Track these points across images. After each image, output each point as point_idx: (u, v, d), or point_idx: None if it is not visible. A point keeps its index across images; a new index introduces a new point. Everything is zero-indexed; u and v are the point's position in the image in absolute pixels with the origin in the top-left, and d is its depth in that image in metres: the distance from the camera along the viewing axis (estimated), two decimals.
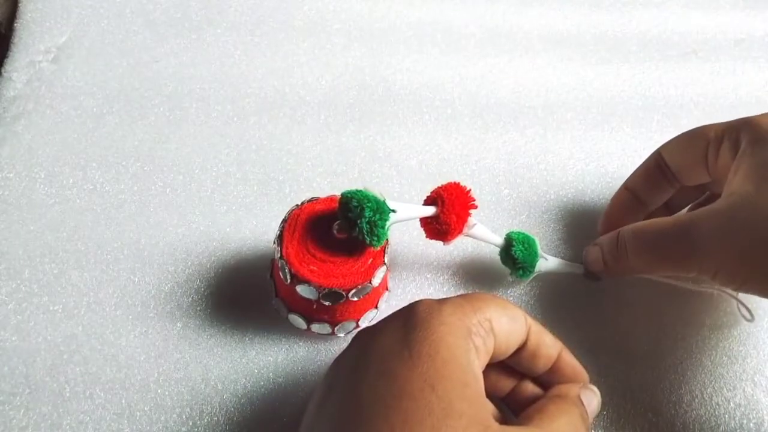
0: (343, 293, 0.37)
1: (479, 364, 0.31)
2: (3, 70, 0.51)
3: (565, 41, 0.56)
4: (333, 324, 0.40)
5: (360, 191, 0.36)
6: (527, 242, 0.42)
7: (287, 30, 0.55)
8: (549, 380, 0.36)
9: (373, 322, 0.36)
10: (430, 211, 0.39)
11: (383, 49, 0.55)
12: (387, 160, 0.49)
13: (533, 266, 0.42)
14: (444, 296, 0.34)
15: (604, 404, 0.41)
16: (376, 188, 0.37)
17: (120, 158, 0.48)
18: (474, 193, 0.48)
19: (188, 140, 0.49)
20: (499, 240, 0.43)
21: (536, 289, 0.45)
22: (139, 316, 0.42)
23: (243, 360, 0.41)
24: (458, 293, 0.44)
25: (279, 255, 0.37)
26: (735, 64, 0.54)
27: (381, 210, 0.36)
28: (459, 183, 0.40)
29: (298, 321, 0.40)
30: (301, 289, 0.37)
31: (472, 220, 0.40)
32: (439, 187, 0.40)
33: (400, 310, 0.33)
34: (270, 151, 0.49)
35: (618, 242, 0.40)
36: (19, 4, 0.54)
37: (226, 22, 0.55)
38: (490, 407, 0.33)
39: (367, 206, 0.35)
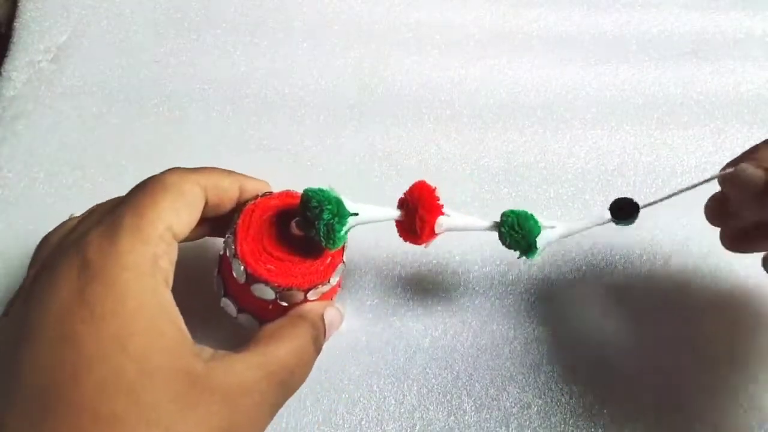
0: (302, 293, 0.35)
1: (169, 288, 0.29)
2: (2, 70, 0.51)
3: (565, 41, 0.56)
4: None
5: (323, 191, 0.34)
6: (518, 220, 0.36)
7: (287, 30, 0.55)
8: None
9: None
10: (394, 214, 0.37)
11: (383, 50, 0.55)
12: (386, 159, 0.49)
13: (533, 243, 0.36)
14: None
15: (606, 403, 0.41)
16: (343, 189, 0.35)
17: (119, 158, 0.48)
18: (474, 192, 0.48)
19: (188, 140, 0.49)
20: (487, 224, 0.38)
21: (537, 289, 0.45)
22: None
23: None
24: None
25: (232, 253, 0.34)
26: (735, 64, 0.54)
27: (340, 214, 0.34)
28: (425, 182, 0.37)
29: (250, 321, 0.37)
30: (258, 289, 0.34)
31: (442, 219, 0.37)
32: (408, 189, 0.37)
33: (63, 250, 0.29)
34: (269, 151, 0.49)
35: None
36: (19, 4, 0.54)
37: (225, 22, 0.55)
38: (191, 346, 0.28)
39: (327, 208, 0.34)
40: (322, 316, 0.35)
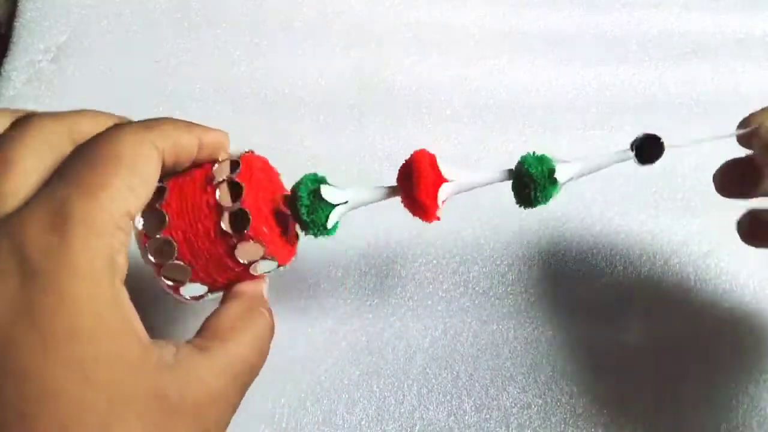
0: (277, 264, 0.31)
1: (125, 290, 0.24)
2: (2, 70, 0.51)
3: (565, 41, 0.56)
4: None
5: (305, 183, 0.33)
6: (535, 158, 0.33)
7: (287, 30, 0.55)
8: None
9: None
10: (388, 193, 0.34)
11: (383, 50, 0.55)
12: (387, 159, 0.49)
13: (552, 175, 0.33)
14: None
15: (606, 403, 0.41)
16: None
17: None
18: (474, 192, 0.48)
19: None
20: (498, 174, 0.35)
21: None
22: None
23: None
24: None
25: (233, 204, 0.29)
26: (735, 64, 0.54)
27: (318, 211, 0.32)
28: (424, 152, 0.34)
29: (196, 291, 0.31)
30: (244, 250, 0.30)
31: (445, 185, 0.34)
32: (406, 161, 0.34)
33: None
34: (269, 151, 0.49)
35: None
36: (19, 4, 0.54)
37: (225, 22, 0.55)
38: (156, 358, 0.24)
39: (304, 205, 0.32)
40: (263, 294, 0.31)
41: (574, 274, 0.45)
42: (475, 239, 0.45)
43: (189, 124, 0.29)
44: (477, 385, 0.42)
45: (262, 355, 0.29)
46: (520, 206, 0.35)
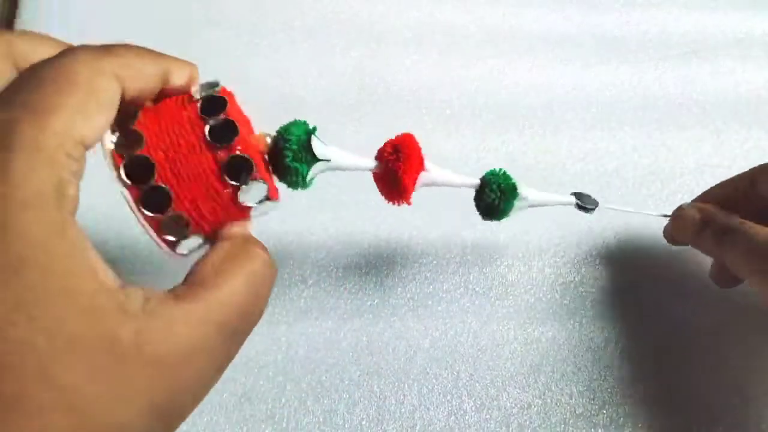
0: (266, 193, 0.29)
1: (76, 222, 0.22)
2: None
3: (565, 41, 0.56)
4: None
5: (293, 127, 0.32)
6: (502, 182, 0.38)
7: (287, 30, 0.55)
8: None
9: None
10: (370, 165, 0.34)
11: (383, 50, 0.55)
12: None
13: (509, 209, 0.39)
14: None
15: (604, 405, 0.41)
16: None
17: None
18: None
19: None
20: (468, 181, 0.39)
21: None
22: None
23: None
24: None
25: (230, 134, 0.28)
26: (735, 64, 0.54)
27: (304, 159, 0.32)
28: (412, 137, 0.35)
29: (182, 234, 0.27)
30: (249, 192, 0.28)
31: (424, 175, 0.35)
32: (392, 140, 0.35)
33: None
34: None
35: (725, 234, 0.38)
36: (20, 4, 0.54)
37: (226, 22, 0.55)
38: (116, 300, 0.22)
39: (290, 149, 0.31)
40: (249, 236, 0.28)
41: (573, 275, 0.46)
42: (475, 240, 0.45)
43: (154, 54, 0.27)
44: (477, 385, 0.42)
45: (258, 297, 0.26)
46: (484, 216, 0.40)
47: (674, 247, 0.46)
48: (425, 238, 0.42)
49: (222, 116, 0.28)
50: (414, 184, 0.35)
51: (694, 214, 0.41)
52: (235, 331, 0.25)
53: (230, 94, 0.31)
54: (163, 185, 0.26)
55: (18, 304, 0.20)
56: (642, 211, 0.44)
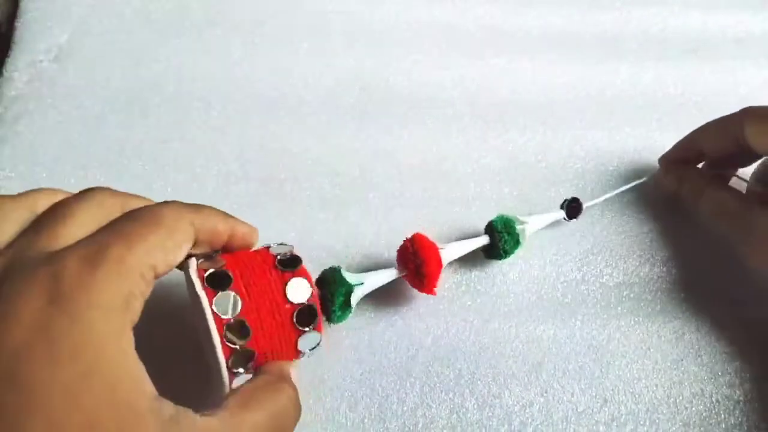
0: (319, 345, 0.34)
1: (132, 334, 0.26)
2: (4, 70, 0.51)
3: (565, 41, 0.56)
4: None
5: (336, 276, 0.37)
6: (507, 226, 0.43)
7: (288, 30, 0.55)
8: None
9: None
10: (396, 274, 0.40)
11: (384, 50, 0.55)
12: (388, 159, 0.49)
13: (519, 244, 0.43)
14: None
15: (605, 403, 0.41)
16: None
17: (121, 158, 0.48)
18: (475, 192, 0.48)
19: (189, 140, 0.49)
20: (481, 241, 0.43)
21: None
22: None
23: None
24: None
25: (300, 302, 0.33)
26: (734, 63, 0.55)
27: (348, 304, 0.37)
28: (423, 236, 0.40)
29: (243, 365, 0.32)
30: (309, 339, 0.33)
31: (443, 255, 0.40)
32: (403, 245, 0.40)
33: (33, 265, 0.25)
34: (271, 151, 0.49)
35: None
36: (20, 4, 0.54)
37: (226, 22, 0.55)
38: (149, 401, 0.25)
39: (338, 301, 0.36)
40: (289, 374, 0.32)
41: (574, 273, 0.46)
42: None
43: (226, 215, 0.33)
44: (479, 383, 0.42)
45: (283, 427, 0.29)
46: (495, 258, 0.44)
47: (675, 246, 0.46)
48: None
49: (305, 303, 0.33)
50: (436, 282, 0.40)
51: (670, 182, 0.46)
52: None
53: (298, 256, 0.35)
54: (245, 320, 0.31)
55: (68, 385, 0.23)
56: (620, 188, 0.47)
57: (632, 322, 0.44)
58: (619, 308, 0.44)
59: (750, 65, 0.54)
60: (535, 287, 0.45)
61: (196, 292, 0.30)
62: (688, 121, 0.45)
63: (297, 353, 0.33)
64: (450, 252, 0.41)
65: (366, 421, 0.40)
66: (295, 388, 0.31)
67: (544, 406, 0.41)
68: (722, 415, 0.41)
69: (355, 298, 0.38)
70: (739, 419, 0.41)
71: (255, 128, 0.50)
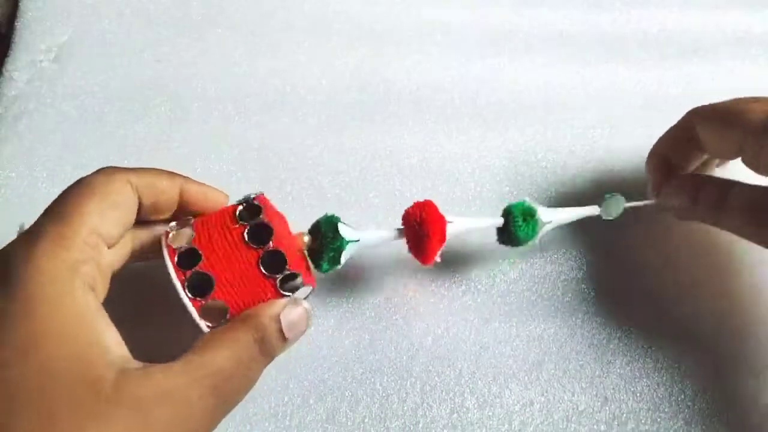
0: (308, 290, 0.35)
1: (97, 294, 0.28)
2: (4, 70, 0.51)
3: (565, 41, 0.56)
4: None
5: (329, 222, 0.37)
6: (524, 213, 0.41)
7: (288, 30, 0.55)
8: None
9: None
10: (393, 236, 0.39)
11: (384, 49, 0.55)
12: (388, 158, 0.49)
13: (535, 235, 0.41)
14: None
15: (606, 402, 0.41)
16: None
17: (121, 157, 0.48)
18: (475, 192, 0.48)
19: (189, 139, 0.49)
20: (492, 220, 0.41)
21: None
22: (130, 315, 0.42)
23: None
24: None
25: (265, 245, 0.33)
26: (734, 63, 0.55)
27: (340, 249, 0.37)
28: (432, 203, 0.39)
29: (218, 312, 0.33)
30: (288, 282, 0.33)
31: (447, 226, 0.39)
32: (411, 208, 0.39)
33: None
34: (271, 150, 0.49)
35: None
36: (20, 4, 0.54)
37: (227, 21, 0.55)
38: (107, 355, 0.27)
39: (331, 247, 0.37)
40: (276, 316, 0.31)
41: (575, 272, 0.46)
42: (476, 237, 0.46)
43: (171, 173, 0.34)
44: (479, 382, 0.42)
45: (244, 367, 0.30)
46: (512, 245, 0.42)
47: (676, 244, 0.46)
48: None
49: (259, 219, 0.34)
50: (436, 252, 0.39)
51: (680, 198, 0.41)
52: (215, 388, 0.28)
53: (265, 200, 0.36)
54: (208, 273, 0.32)
55: (19, 344, 0.25)
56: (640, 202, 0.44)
57: (633, 321, 0.44)
58: (620, 307, 0.44)
59: (750, 65, 0.54)
60: (535, 286, 0.45)
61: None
62: None
63: (279, 295, 0.33)
64: (457, 227, 0.40)
65: (366, 420, 0.40)
66: (260, 330, 0.31)
67: (544, 405, 0.41)
68: (724, 414, 0.41)
69: (346, 254, 0.37)
70: (742, 417, 0.41)
71: (255, 128, 0.50)
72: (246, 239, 0.33)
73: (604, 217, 0.43)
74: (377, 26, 0.56)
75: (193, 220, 0.34)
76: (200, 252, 0.32)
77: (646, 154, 0.44)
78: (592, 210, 0.42)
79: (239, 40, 0.54)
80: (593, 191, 0.49)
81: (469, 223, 0.41)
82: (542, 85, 0.54)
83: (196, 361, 0.28)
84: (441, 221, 0.39)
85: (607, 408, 0.41)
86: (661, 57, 0.55)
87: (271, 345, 0.31)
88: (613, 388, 0.42)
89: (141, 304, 0.37)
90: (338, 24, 0.56)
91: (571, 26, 0.56)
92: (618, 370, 0.42)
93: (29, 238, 0.27)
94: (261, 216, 0.34)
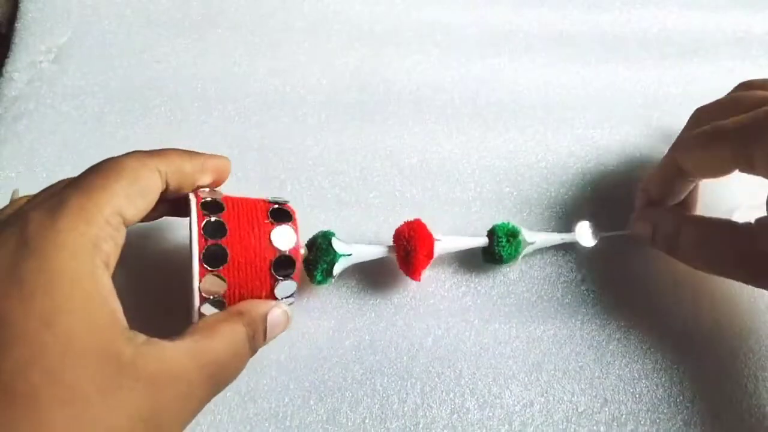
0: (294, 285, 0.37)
1: (110, 271, 0.29)
2: (4, 70, 0.51)
3: (565, 41, 0.56)
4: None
5: (325, 238, 0.39)
6: (509, 234, 0.43)
7: (288, 30, 0.55)
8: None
9: None
10: (385, 252, 0.41)
11: (384, 49, 0.55)
12: (388, 158, 0.49)
13: (518, 255, 0.43)
14: None
15: (606, 403, 0.41)
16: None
17: None
18: (475, 192, 0.48)
19: (189, 140, 0.49)
20: (479, 240, 0.43)
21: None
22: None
23: None
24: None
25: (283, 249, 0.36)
26: (734, 63, 0.55)
27: (332, 266, 0.39)
28: (420, 222, 0.41)
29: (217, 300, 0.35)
30: (285, 286, 0.36)
31: (438, 244, 0.41)
32: (401, 227, 0.41)
33: (2, 225, 0.28)
34: (271, 150, 0.49)
35: (674, 234, 0.41)
36: (20, 4, 0.53)
37: (226, 22, 0.55)
38: (123, 330, 0.28)
39: (322, 264, 0.39)
40: (265, 315, 0.34)
41: (575, 273, 0.46)
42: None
43: (192, 154, 0.35)
44: (479, 383, 0.42)
45: (237, 359, 0.32)
46: (490, 262, 0.44)
47: None
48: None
49: (288, 224, 0.36)
50: (424, 268, 0.41)
51: (644, 229, 0.43)
52: (212, 376, 0.30)
53: (292, 209, 0.38)
54: (226, 248, 0.34)
55: (41, 315, 0.25)
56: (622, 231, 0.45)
57: (633, 322, 0.44)
58: (620, 308, 0.44)
59: (750, 65, 0.54)
60: (535, 287, 0.45)
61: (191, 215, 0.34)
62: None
63: (270, 298, 0.36)
64: (445, 245, 0.42)
65: (367, 421, 0.40)
66: (253, 327, 0.33)
67: (544, 406, 0.41)
68: (724, 415, 0.41)
69: (339, 267, 0.40)
70: (741, 418, 0.41)
71: (255, 128, 0.50)
72: (271, 239, 0.35)
73: (581, 244, 0.45)
74: (377, 26, 0.56)
75: (222, 196, 0.36)
76: (227, 228, 0.34)
77: (646, 153, 0.44)
78: (570, 236, 0.45)
79: (239, 40, 0.54)
80: (593, 191, 0.49)
81: (456, 241, 0.43)
82: (542, 85, 0.54)
83: (200, 346, 0.30)
84: (429, 239, 0.41)
85: (606, 409, 0.41)
86: (661, 57, 0.55)
87: (258, 341, 0.33)
88: (613, 389, 0.42)
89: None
90: (338, 24, 0.56)
91: (571, 26, 0.56)
92: (617, 372, 0.42)
93: (52, 209, 0.28)
94: (290, 223, 0.36)
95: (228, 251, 0.34)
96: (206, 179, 0.35)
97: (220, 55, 0.53)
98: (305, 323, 0.43)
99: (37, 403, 0.25)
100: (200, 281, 0.33)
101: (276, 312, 0.34)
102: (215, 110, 0.51)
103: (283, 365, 0.41)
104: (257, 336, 0.33)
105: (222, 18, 0.55)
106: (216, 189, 0.37)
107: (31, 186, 0.46)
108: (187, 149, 0.35)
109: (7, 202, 0.46)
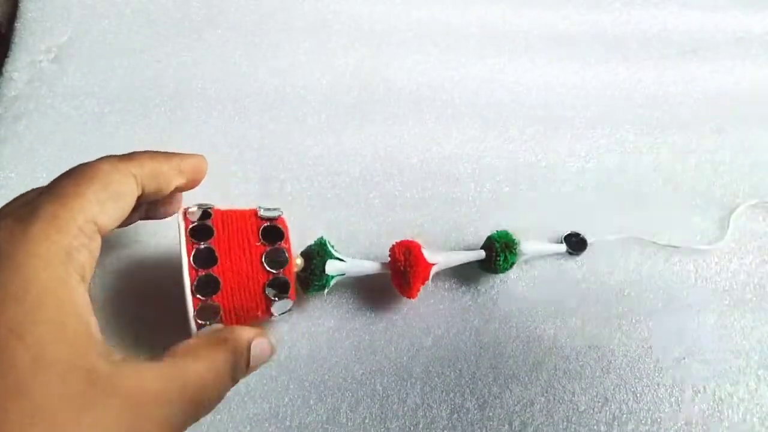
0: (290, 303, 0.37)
1: (85, 283, 0.28)
2: (4, 70, 0.51)
3: (565, 40, 0.56)
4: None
5: (322, 250, 0.39)
6: (507, 246, 0.43)
7: (288, 30, 0.55)
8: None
9: None
10: (379, 269, 0.41)
11: (384, 49, 0.55)
12: (388, 158, 0.49)
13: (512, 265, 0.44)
14: None
15: (607, 401, 0.41)
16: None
17: None
18: (475, 192, 0.48)
19: (189, 140, 0.49)
20: (475, 253, 0.43)
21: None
22: (136, 315, 0.42)
23: None
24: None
25: (277, 271, 0.36)
26: (734, 62, 0.55)
27: (327, 280, 0.39)
28: (414, 242, 0.40)
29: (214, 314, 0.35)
30: (281, 305, 0.37)
31: (433, 269, 0.41)
32: (395, 246, 0.41)
33: None
34: (271, 151, 0.49)
35: None
36: (20, 4, 0.53)
37: (226, 22, 0.55)
38: (97, 345, 0.27)
39: (317, 281, 0.39)
40: (248, 344, 0.32)
41: (575, 273, 0.46)
42: (476, 238, 0.46)
43: (168, 155, 0.34)
44: (480, 383, 0.42)
45: (218, 385, 0.30)
46: (487, 272, 0.44)
47: (674, 247, 0.46)
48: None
49: (281, 274, 0.35)
50: (419, 288, 0.41)
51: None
52: (192, 400, 0.28)
53: (284, 223, 0.37)
54: (218, 278, 0.34)
55: (11, 325, 0.24)
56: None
57: (633, 321, 0.44)
58: (620, 307, 0.44)
59: (749, 63, 0.54)
60: (535, 287, 0.45)
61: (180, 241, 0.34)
62: (688, 120, 0.45)
63: (266, 316, 0.36)
64: (441, 266, 0.42)
65: (367, 421, 0.40)
66: (237, 355, 0.31)
67: (544, 405, 0.41)
68: (725, 413, 0.41)
69: (333, 281, 0.40)
70: (742, 417, 0.41)
71: (255, 128, 0.50)
72: (263, 262, 0.35)
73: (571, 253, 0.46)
74: (377, 26, 0.56)
75: (213, 211, 0.36)
76: (216, 256, 0.34)
77: (646, 153, 0.44)
78: (560, 248, 0.45)
79: (239, 41, 0.54)
80: (593, 191, 0.49)
81: (453, 258, 0.43)
82: (542, 84, 0.54)
83: (180, 368, 0.28)
84: (426, 267, 0.40)
85: (607, 408, 0.41)
86: (661, 56, 0.55)
87: (240, 371, 0.32)
88: (613, 389, 0.42)
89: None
90: (338, 24, 0.56)
91: (571, 26, 0.56)
92: (618, 371, 0.42)
93: (24, 217, 0.27)
94: (281, 243, 0.36)
95: (220, 280, 0.34)
96: (183, 180, 0.35)
97: (220, 55, 0.53)
98: (305, 323, 0.42)
99: (5, 420, 0.23)
100: (194, 310, 0.33)
101: (260, 342, 0.32)
102: (215, 110, 0.51)
103: (283, 365, 0.41)
104: (240, 365, 0.31)
105: (222, 18, 0.55)
106: (205, 204, 0.37)
107: (31, 186, 0.46)
108: (161, 150, 0.34)
109: (6, 202, 0.46)
